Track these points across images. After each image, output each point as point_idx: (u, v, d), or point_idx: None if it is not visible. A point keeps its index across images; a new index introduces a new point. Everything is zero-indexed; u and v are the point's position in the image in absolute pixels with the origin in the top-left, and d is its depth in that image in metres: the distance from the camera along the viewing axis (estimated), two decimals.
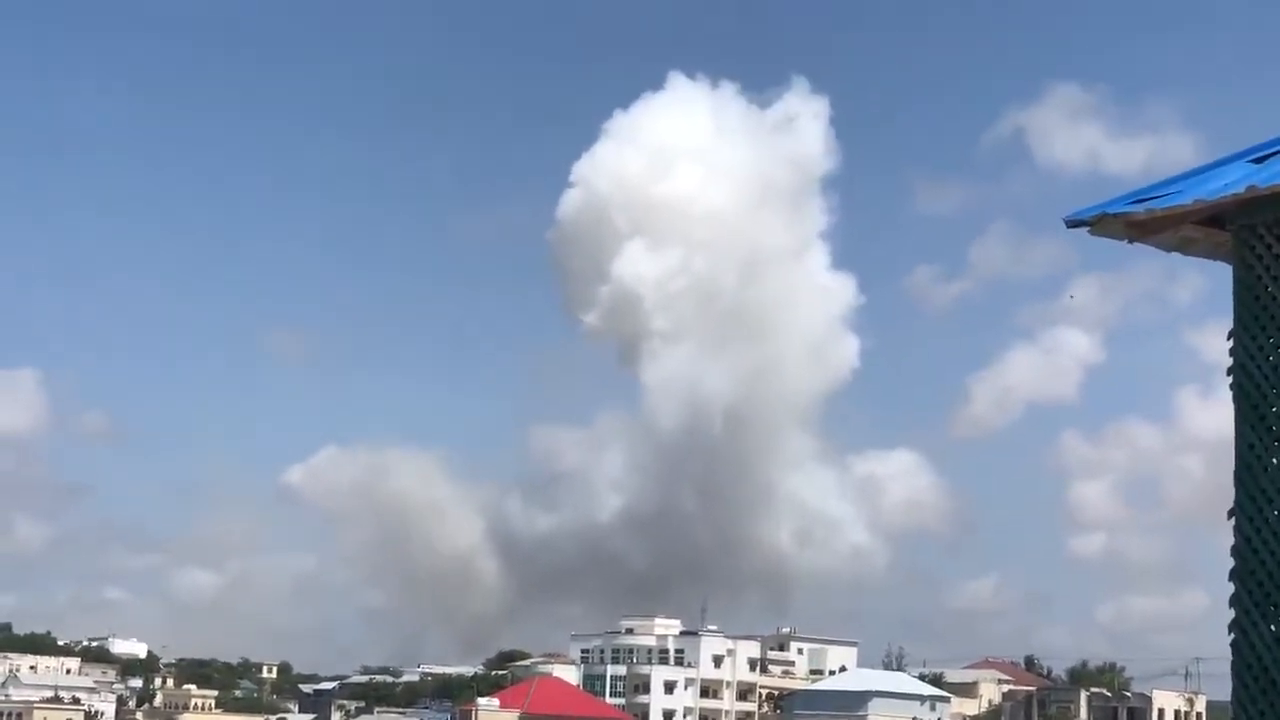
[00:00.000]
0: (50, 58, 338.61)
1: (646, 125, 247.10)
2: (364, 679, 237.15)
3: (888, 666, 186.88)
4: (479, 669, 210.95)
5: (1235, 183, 10.62)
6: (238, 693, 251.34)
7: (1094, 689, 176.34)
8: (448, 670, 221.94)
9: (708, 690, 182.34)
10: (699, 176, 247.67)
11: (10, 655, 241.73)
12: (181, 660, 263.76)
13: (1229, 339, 10.72)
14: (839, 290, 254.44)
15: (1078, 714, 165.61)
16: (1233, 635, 10.37)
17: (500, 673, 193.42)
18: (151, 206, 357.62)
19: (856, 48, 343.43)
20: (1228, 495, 10.60)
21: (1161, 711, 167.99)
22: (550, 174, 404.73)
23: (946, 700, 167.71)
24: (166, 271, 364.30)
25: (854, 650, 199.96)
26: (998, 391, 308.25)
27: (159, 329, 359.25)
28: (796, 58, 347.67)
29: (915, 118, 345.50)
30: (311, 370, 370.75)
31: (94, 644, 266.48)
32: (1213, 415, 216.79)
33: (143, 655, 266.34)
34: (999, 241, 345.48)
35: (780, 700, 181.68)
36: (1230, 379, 10.67)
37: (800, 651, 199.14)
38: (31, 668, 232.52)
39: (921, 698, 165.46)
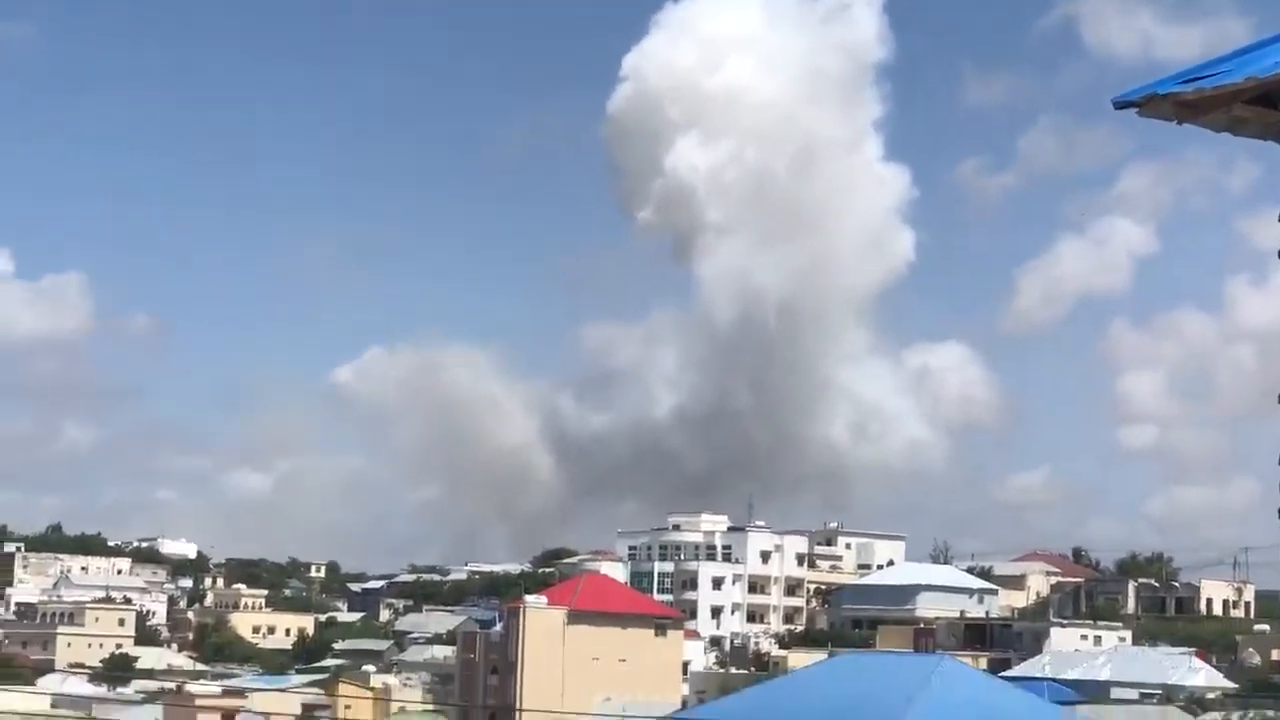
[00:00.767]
0: None
1: (697, 16, 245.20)
2: (412, 578, 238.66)
3: (935, 560, 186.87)
4: (526, 567, 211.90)
5: None
6: (287, 592, 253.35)
7: (1142, 580, 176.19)
8: (495, 569, 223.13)
9: (755, 586, 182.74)
10: (751, 67, 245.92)
11: (61, 556, 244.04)
12: (231, 560, 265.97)
13: None
14: (893, 181, 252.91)
15: (1126, 604, 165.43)
16: None
17: (547, 570, 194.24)
18: (196, 110, 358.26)
19: None
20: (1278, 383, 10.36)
21: (1210, 601, 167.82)
22: (601, 69, 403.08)
23: (994, 593, 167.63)
24: (211, 175, 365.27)
25: (901, 544, 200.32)
26: (1048, 284, 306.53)
27: (204, 232, 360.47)
28: None
29: (967, 4, 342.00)
30: (358, 272, 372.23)
31: (144, 545, 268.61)
32: (1265, 304, 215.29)
33: (192, 555, 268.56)
34: (1049, 132, 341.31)
35: (828, 595, 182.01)
36: None
37: (848, 546, 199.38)
38: (83, 569, 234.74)
39: (969, 590, 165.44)
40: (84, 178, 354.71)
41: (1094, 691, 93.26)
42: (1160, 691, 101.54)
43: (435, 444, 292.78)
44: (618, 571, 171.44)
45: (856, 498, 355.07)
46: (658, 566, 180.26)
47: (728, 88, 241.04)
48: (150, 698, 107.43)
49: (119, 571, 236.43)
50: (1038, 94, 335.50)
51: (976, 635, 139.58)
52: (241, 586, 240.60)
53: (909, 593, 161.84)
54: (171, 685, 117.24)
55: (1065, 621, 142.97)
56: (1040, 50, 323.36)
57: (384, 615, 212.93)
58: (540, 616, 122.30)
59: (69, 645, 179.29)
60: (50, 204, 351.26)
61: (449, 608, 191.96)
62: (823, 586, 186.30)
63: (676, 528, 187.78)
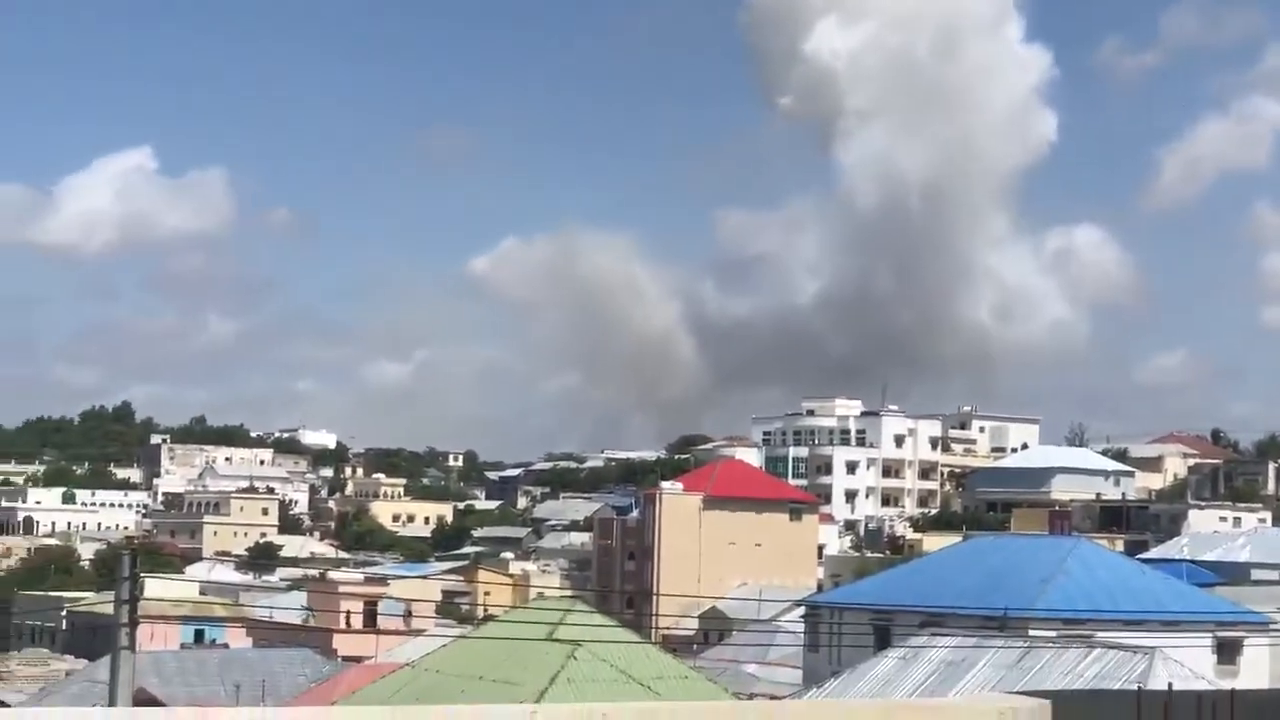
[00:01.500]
0: None
1: None
2: (548, 465, 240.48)
3: (1070, 443, 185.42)
4: (661, 453, 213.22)
5: None
6: (425, 480, 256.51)
7: None
8: (631, 455, 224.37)
9: (889, 470, 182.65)
10: None
11: (206, 447, 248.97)
12: (370, 450, 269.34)
13: None
14: (1034, 62, 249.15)
15: (1265, 486, 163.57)
16: None
17: (683, 457, 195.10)
18: (335, 5, 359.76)
19: None
20: None
21: None
22: None
23: (1131, 475, 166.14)
24: (346, 74, 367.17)
25: (1035, 428, 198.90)
26: (1188, 163, 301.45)
27: (341, 128, 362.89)
28: None
29: None
30: (493, 164, 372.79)
31: (285, 435, 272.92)
32: None
33: (332, 445, 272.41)
34: (1191, 9, 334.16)
35: (962, 478, 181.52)
36: None
37: (982, 430, 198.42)
38: (227, 459, 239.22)
39: (1105, 473, 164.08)
40: (226, 73, 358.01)
41: (1233, 573, 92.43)
42: None
43: (573, 332, 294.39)
44: (752, 457, 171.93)
45: (996, 381, 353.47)
46: (792, 451, 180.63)
47: None
48: (294, 585, 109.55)
49: (261, 462, 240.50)
50: None
51: (1112, 517, 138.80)
52: (381, 476, 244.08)
53: (1044, 475, 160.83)
54: (315, 573, 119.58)
55: (1203, 503, 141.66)
56: None
57: (521, 503, 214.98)
58: (676, 502, 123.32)
59: (215, 534, 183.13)
60: (193, 100, 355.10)
61: (586, 494, 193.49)
62: (957, 470, 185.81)
63: (811, 413, 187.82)
